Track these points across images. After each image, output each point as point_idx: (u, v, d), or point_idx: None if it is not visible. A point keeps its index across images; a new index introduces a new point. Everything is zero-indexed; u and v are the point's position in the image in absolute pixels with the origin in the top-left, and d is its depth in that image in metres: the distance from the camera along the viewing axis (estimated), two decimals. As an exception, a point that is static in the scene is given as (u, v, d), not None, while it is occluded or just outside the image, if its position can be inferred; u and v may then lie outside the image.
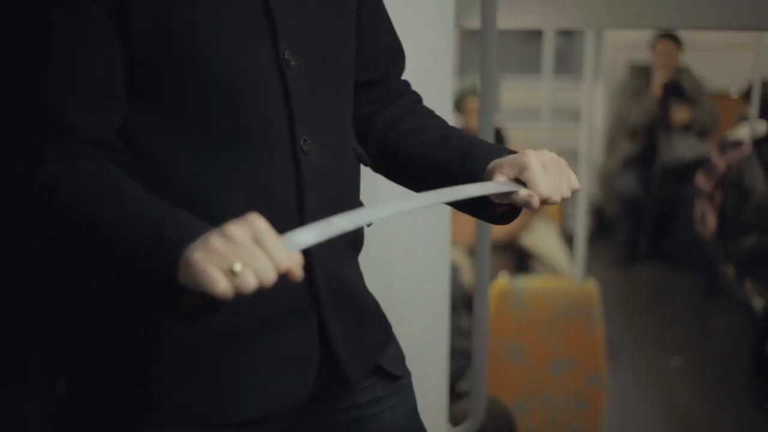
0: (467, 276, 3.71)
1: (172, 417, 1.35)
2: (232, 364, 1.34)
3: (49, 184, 1.22)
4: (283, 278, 1.11)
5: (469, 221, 3.47)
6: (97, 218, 1.19)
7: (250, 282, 1.08)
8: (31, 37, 1.26)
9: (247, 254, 1.08)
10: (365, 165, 1.53)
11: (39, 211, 1.25)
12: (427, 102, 1.62)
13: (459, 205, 1.45)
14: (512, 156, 1.36)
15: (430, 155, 1.45)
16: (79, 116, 1.24)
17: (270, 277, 1.08)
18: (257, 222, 1.10)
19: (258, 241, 1.08)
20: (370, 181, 1.56)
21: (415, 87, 1.62)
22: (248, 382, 1.35)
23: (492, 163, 1.37)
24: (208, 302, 1.15)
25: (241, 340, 1.34)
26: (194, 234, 1.12)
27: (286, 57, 1.31)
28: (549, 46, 4.74)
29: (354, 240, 1.49)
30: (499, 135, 4.30)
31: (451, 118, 2.17)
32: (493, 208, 1.41)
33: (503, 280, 3.56)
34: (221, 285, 1.07)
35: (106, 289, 1.34)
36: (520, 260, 4.22)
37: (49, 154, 1.23)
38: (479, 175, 1.37)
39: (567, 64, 6.41)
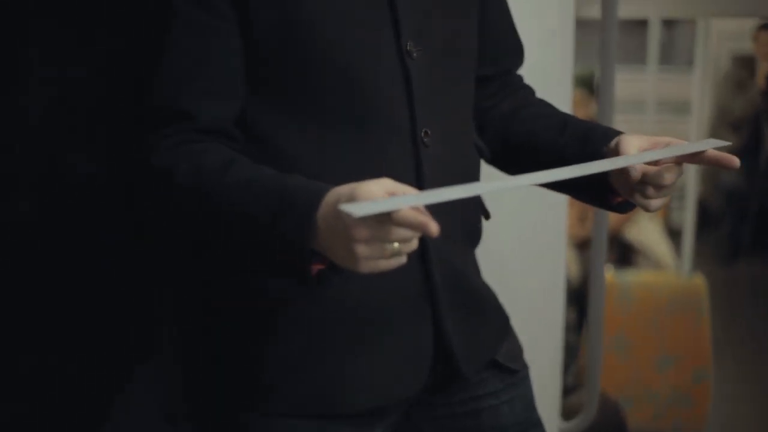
0: (572, 269, 3.68)
1: (281, 407, 1.35)
2: (345, 355, 1.34)
3: (164, 167, 1.24)
4: (401, 269, 1.12)
5: (573, 214, 3.46)
6: (215, 190, 1.20)
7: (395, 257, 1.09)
8: (155, 25, 1.29)
9: (391, 233, 1.07)
10: (484, 158, 1.52)
11: (158, 197, 1.27)
12: (547, 93, 1.61)
13: (579, 194, 1.45)
14: (647, 136, 1.34)
15: (550, 139, 1.44)
16: (197, 105, 1.27)
17: (414, 245, 1.09)
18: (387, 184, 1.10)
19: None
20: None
21: (534, 77, 1.62)
22: (361, 375, 1.35)
23: (618, 139, 1.34)
24: (334, 266, 1.15)
25: (355, 332, 1.34)
26: (319, 196, 1.13)
27: (408, 48, 1.31)
28: (654, 36, 4.67)
29: (470, 233, 1.48)
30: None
31: (570, 109, 2.15)
32: (613, 197, 1.39)
33: (609, 274, 3.52)
34: (367, 265, 1.09)
35: (227, 265, 1.35)
36: (624, 254, 4.17)
37: (164, 141, 1.26)
38: (602, 154, 1.35)
39: (670, 54, 6.31)
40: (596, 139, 1.39)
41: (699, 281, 3.54)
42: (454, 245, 1.41)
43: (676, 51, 6.40)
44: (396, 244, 1.08)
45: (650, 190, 1.30)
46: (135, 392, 1.68)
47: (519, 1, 1.64)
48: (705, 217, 6.28)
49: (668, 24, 6.21)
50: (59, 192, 1.56)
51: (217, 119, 1.28)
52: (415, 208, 1.06)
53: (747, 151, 5.72)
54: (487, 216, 1.52)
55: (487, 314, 1.49)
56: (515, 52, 1.58)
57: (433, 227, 1.04)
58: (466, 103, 1.45)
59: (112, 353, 1.65)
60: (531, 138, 1.48)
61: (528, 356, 1.59)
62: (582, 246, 3.63)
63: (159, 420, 1.76)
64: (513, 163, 1.53)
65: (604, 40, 2.18)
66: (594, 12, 2.25)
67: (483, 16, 1.47)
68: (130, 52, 1.49)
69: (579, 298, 3.39)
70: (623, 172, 1.30)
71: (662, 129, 5.04)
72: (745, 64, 5.96)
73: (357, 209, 1.03)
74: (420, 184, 1.33)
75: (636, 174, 1.28)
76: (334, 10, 1.27)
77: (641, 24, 5.28)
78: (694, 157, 1.29)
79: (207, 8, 1.27)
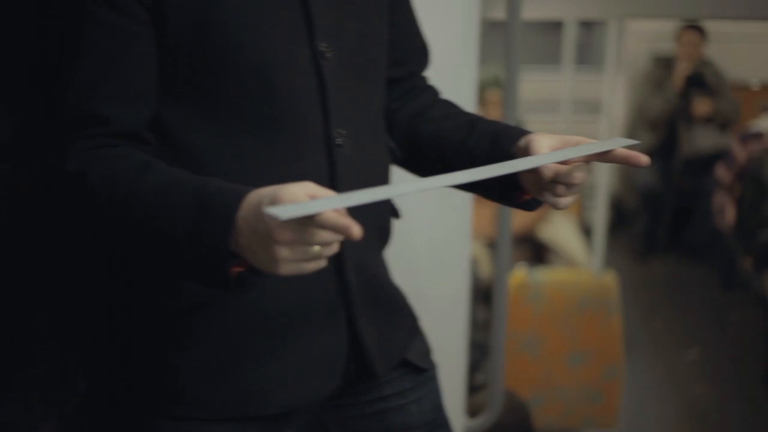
0: (485, 268, 3.71)
1: (193, 411, 1.35)
2: (259, 359, 1.34)
3: (77, 171, 1.23)
4: (315, 272, 1.12)
5: (486, 214, 3.49)
6: (132, 192, 1.19)
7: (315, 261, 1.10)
8: (66, 29, 1.27)
9: (314, 236, 1.08)
10: (395, 158, 1.53)
11: (72, 200, 1.26)
12: (452, 93, 1.62)
13: (487, 193, 1.45)
14: (557, 135, 1.36)
15: (458, 139, 1.45)
16: (110, 109, 1.25)
17: (335, 248, 1.10)
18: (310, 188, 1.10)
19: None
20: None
21: (439, 79, 1.63)
22: (274, 377, 1.35)
23: (527, 139, 1.36)
24: (253, 269, 1.15)
25: (268, 335, 1.34)
26: (239, 198, 1.12)
27: (321, 49, 1.32)
28: (570, 37, 4.72)
29: (382, 234, 1.49)
30: (519, 126, 4.26)
31: (475, 109, 2.17)
32: (520, 195, 1.41)
33: (521, 273, 3.56)
34: (288, 267, 1.09)
35: (144, 268, 1.34)
36: (538, 253, 4.21)
37: (77, 144, 1.24)
38: (511, 154, 1.37)
39: (587, 55, 6.38)
40: (505, 140, 1.40)
41: (610, 279, 3.58)
42: (368, 246, 1.42)
43: (593, 52, 6.47)
44: (317, 247, 1.08)
45: (560, 189, 1.32)
46: (30, 392, 1.66)
47: (424, 3, 1.65)
48: (621, 216, 6.38)
49: (586, 25, 6.28)
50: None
51: (131, 123, 1.27)
52: (337, 211, 1.06)
53: (663, 150, 5.81)
54: (398, 215, 1.53)
55: (397, 314, 1.51)
56: (421, 53, 1.59)
57: (356, 230, 1.04)
58: (378, 104, 1.47)
59: (8, 353, 1.63)
60: (439, 139, 1.49)
61: (434, 354, 1.60)
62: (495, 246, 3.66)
63: (55, 421, 1.74)
64: (422, 165, 1.54)
65: (508, 41, 2.20)
66: (501, 13, 2.27)
67: (390, 18, 1.48)
68: (44, 55, 1.47)
69: (491, 296, 3.42)
70: (534, 171, 1.31)
71: (577, 129, 5.09)
72: (664, 65, 6.05)
73: (282, 212, 1.03)
74: (334, 184, 1.33)
75: (549, 173, 1.30)
76: (247, 11, 1.27)
77: (558, 25, 5.33)
78: (604, 156, 1.30)
79: (119, 11, 1.25)
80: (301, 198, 1.07)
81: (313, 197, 1.08)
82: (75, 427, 1.70)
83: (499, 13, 2.30)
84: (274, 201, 1.08)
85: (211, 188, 1.16)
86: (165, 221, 1.17)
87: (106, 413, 1.56)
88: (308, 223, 1.06)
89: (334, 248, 1.10)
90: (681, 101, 5.79)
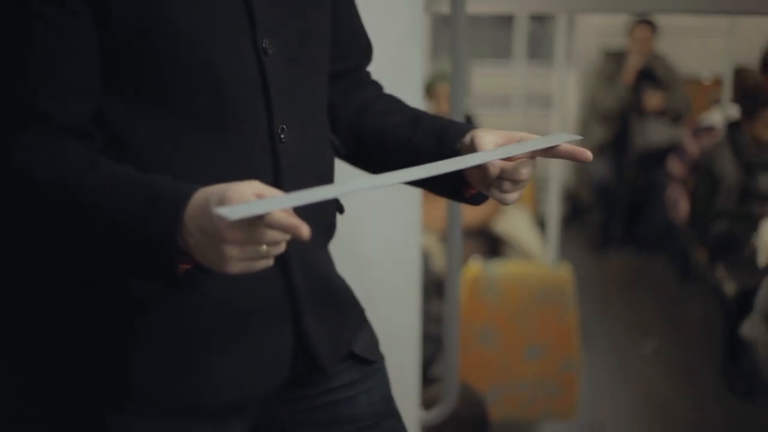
0: (439, 262, 3.71)
1: (142, 404, 1.35)
2: (205, 353, 1.34)
3: (22, 167, 1.21)
4: (260, 271, 1.13)
5: (440, 207, 3.49)
6: (79, 189, 1.19)
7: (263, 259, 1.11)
8: (8, 24, 1.25)
9: (263, 236, 1.08)
10: (338, 154, 1.53)
11: (16, 197, 1.24)
12: (397, 87, 1.62)
13: (434, 187, 1.46)
14: (502, 131, 1.36)
15: (403, 136, 1.45)
16: (53, 104, 1.24)
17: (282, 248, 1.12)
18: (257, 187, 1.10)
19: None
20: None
21: (384, 72, 1.63)
22: (220, 371, 1.35)
23: (472, 135, 1.36)
24: (201, 267, 1.15)
25: (214, 330, 1.34)
26: (187, 196, 1.12)
27: (264, 46, 1.31)
28: (521, 31, 4.75)
29: (326, 228, 1.49)
30: (469, 121, 4.30)
31: (421, 103, 2.16)
32: (466, 189, 1.41)
33: (476, 266, 3.56)
34: (237, 266, 1.10)
35: (90, 265, 1.33)
36: (493, 246, 4.22)
37: (21, 140, 1.23)
38: (456, 151, 1.37)
39: (539, 49, 6.41)
40: (450, 136, 1.40)
41: (565, 271, 3.59)
42: (312, 243, 1.39)
43: (545, 46, 6.50)
44: (265, 247, 1.09)
45: (506, 185, 1.33)
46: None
47: (369, -2, 1.65)
48: (575, 209, 6.42)
49: (538, 20, 6.31)
50: None
51: (75, 118, 1.26)
52: (285, 211, 1.07)
53: (616, 144, 5.86)
54: (341, 210, 1.53)
55: (343, 308, 1.51)
56: (364, 47, 1.59)
57: (305, 230, 1.05)
58: (321, 100, 1.46)
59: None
60: (383, 135, 1.49)
61: (387, 347, 1.60)
62: (447, 239, 3.65)
63: (6, 419, 1.71)
64: (367, 160, 1.54)
65: (453, 35, 2.20)
66: (445, 7, 2.27)
67: (333, 12, 1.48)
68: None
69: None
70: (480, 167, 1.31)
71: (530, 123, 5.12)
72: (615, 59, 6.09)
73: (231, 212, 1.04)
74: (278, 181, 1.33)
75: (494, 170, 1.30)
76: (190, 7, 1.26)
77: (510, 19, 5.36)
78: (549, 152, 1.31)
79: (61, 5, 1.23)
80: (249, 197, 1.08)
81: (260, 196, 1.09)
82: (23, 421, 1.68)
83: (444, 8, 2.29)
84: (223, 201, 1.08)
85: (158, 186, 1.16)
86: (112, 218, 1.16)
87: (50, 408, 1.54)
88: (257, 222, 1.07)
89: (282, 247, 1.11)
90: (633, 95, 5.84)
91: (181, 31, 1.26)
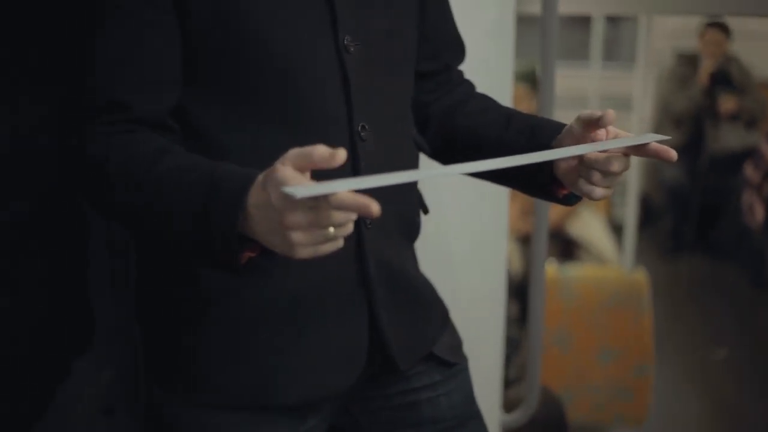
0: (515, 263, 3.69)
1: (213, 398, 1.35)
2: (279, 348, 1.34)
3: (98, 155, 1.22)
4: (336, 262, 1.12)
5: (514, 207, 3.47)
6: (145, 174, 1.19)
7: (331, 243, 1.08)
8: (90, 14, 1.27)
9: (327, 218, 1.05)
10: (424, 152, 1.52)
11: (91, 185, 1.25)
12: (487, 88, 1.61)
13: (524, 187, 1.45)
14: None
15: (495, 134, 1.45)
16: (131, 95, 1.25)
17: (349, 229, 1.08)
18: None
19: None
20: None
21: (475, 73, 1.62)
22: (293, 368, 1.34)
23: (567, 131, 1.34)
24: (267, 253, 1.14)
25: (288, 325, 1.34)
26: (249, 181, 1.10)
27: (345, 43, 1.31)
28: (598, 32, 4.71)
29: (408, 227, 1.49)
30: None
31: (510, 104, 2.15)
32: (558, 189, 1.40)
33: (551, 268, 3.54)
34: (304, 251, 1.07)
35: (160, 253, 1.34)
36: (566, 248, 4.20)
37: (97, 129, 1.24)
38: (549, 148, 1.34)
39: (614, 51, 6.35)
40: (543, 133, 1.39)
41: (641, 276, 3.57)
42: (390, 239, 1.41)
43: (620, 48, 6.45)
44: (332, 229, 1.06)
45: (596, 176, 1.29)
46: (72, 386, 1.67)
47: (460, -3, 1.64)
48: (648, 213, 6.35)
49: (613, 21, 6.26)
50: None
51: (153, 110, 1.27)
52: (352, 192, 1.04)
53: (689, 147, 5.79)
54: (426, 211, 1.52)
55: (424, 307, 1.50)
56: (456, 47, 1.59)
57: (375, 207, 1.01)
58: (403, 99, 1.46)
59: (48, 348, 1.63)
60: (475, 133, 1.48)
61: (469, 349, 1.59)
62: (525, 240, 3.65)
63: (97, 413, 1.74)
64: (456, 159, 1.51)
65: (544, 36, 2.18)
66: (535, 8, 2.26)
67: (423, 11, 1.48)
68: (65, 39, 1.47)
69: (521, 292, 3.40)
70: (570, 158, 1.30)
71: (605, 125, 5.05)
72: (689, 62, 6.02)
73: (298, 191, 1.01)
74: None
75: (588, 159, 1.29)
76: (271, 3, 1.26)
77: (585, 20, 5.31)
78: (638, 150, 1.29)
79: None
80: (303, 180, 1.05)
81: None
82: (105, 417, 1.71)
83: (534, 8, 2.28)
84: (284, 183, 1.06)
85: (220, 171, 1.14)
86: (175, 204, 1.16)
87: (131, 400, 1.57)
88: (321, 204, 1.04)
89: (349, 228, 1.07)
90: (706, 98, 5.76)
91: (261, 27, 1.26)
